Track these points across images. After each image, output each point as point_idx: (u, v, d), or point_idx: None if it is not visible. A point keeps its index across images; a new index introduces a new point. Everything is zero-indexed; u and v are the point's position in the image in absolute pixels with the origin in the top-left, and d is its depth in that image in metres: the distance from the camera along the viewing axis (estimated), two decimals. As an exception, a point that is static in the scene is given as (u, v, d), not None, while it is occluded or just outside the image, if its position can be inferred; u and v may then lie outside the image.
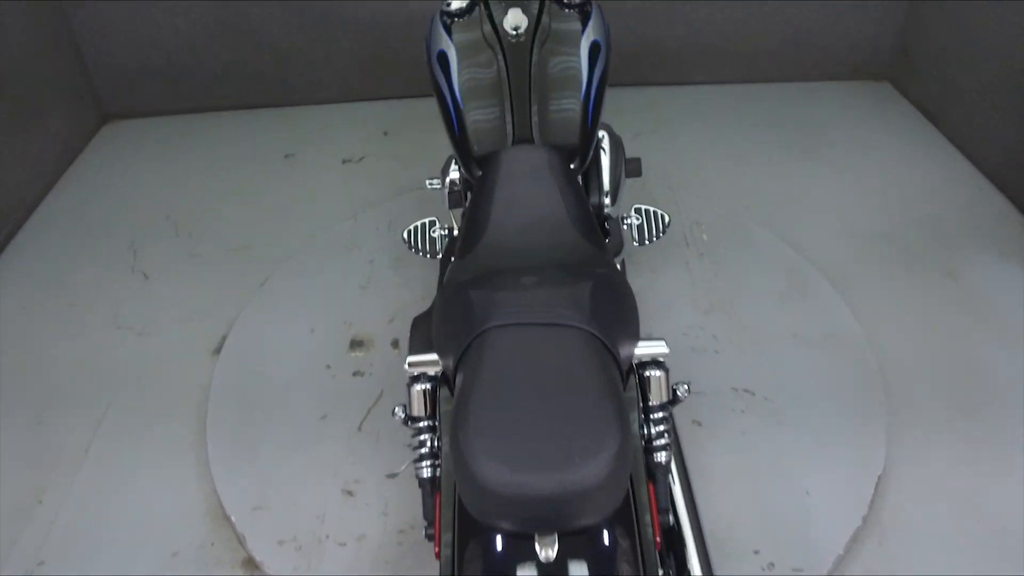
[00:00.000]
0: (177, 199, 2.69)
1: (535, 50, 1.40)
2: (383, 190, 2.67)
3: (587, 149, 1.38)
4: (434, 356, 1.05)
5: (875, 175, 2.67)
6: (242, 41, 3.05)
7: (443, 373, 1.05)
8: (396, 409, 1.10)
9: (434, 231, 1.96)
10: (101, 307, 2.23)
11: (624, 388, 0.98)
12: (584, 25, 1.47)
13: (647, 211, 1.97)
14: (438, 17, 1.52)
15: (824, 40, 3.13)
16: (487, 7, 1.47)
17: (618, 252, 1.60)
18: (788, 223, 2.43)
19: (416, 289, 2.19)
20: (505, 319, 0.93)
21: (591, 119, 1.39)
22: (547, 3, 1.47)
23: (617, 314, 1.00)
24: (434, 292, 2.00)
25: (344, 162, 2.87)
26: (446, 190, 1.69)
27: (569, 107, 1.39)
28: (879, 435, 1.71)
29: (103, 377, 1.99)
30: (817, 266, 2.25)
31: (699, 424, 1.75)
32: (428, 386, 1.08)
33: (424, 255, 1.92)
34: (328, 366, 1.96)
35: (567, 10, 1.49)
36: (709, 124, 3.00)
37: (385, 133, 3.04)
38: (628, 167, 1.85)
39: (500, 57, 1.40)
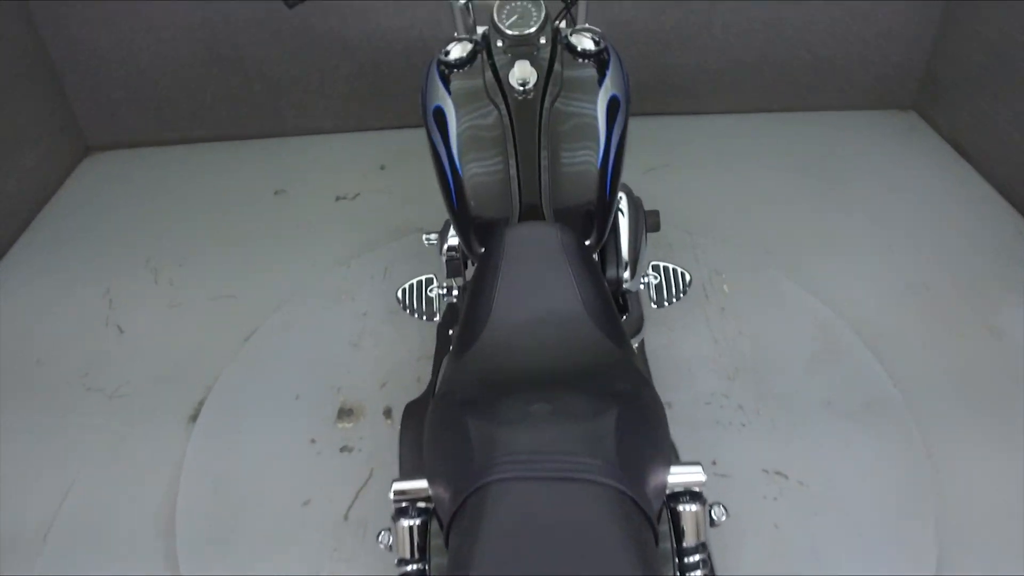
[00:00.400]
0: (159, 240, 2.52)
1: (545, 107, 1.22)
2: (379, 231, 2.49)
3: (604, 222, 1.20)
4: (424, 484, 0.88)
5: (906, 216, 2.48)
6: (232, 69, 2.89)
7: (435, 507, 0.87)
8: (381, 535, 0.93)
9: (431, 290, 1.78)
10: (71, 365, 2.05)
11: (656, 541, 0.80)
12: (601, 77, 1.30)
13: (665, 269, 1.78)
14: (434, 67, 1.34)
15: (847, 68, 2.95)
16: (490, 57, 1.30)
17: (638, 330, 1.42)
18: (815, 271, 2.25)
19: (412, 346, 2.01)
20: (510, 470, 0.75)
21: (609, 187, 1.22)
22: (559, 52, 1.30)
23: (647, 449, 0.82)
24: (431, 353, 1.82)
25: (338, 199, 2.70)
26: (444, 257, 1.51)
27: (584, 174, 1.21)
28: (929, 529, 1.52)
29: (68, 449, 1.81)
30: (848, 321, 2.07)
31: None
32: (417, 522, 0.90)
33: (420, 317, 1.74)
34: (313, 440, 1.77)
35: (581, 60, 1.31)
36: (726, 157, 2.82)
37: (382, 167, 2.87)
38: (646, 222, 1.68)
39: (505, 115, 1.22)
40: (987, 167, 2.62)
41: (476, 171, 1.21)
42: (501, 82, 1.25)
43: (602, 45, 1.31)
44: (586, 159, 1.22)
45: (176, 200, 2.73)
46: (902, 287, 2.21)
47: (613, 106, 1.28)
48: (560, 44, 1.31)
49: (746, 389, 1.86)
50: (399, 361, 1.97)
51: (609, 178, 1.22)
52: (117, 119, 3.00)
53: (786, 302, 2.13)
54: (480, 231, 1.18)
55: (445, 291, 1.73)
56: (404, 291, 1.80)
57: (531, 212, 1.16)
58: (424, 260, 2.30)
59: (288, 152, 2.99)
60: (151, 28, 2.76)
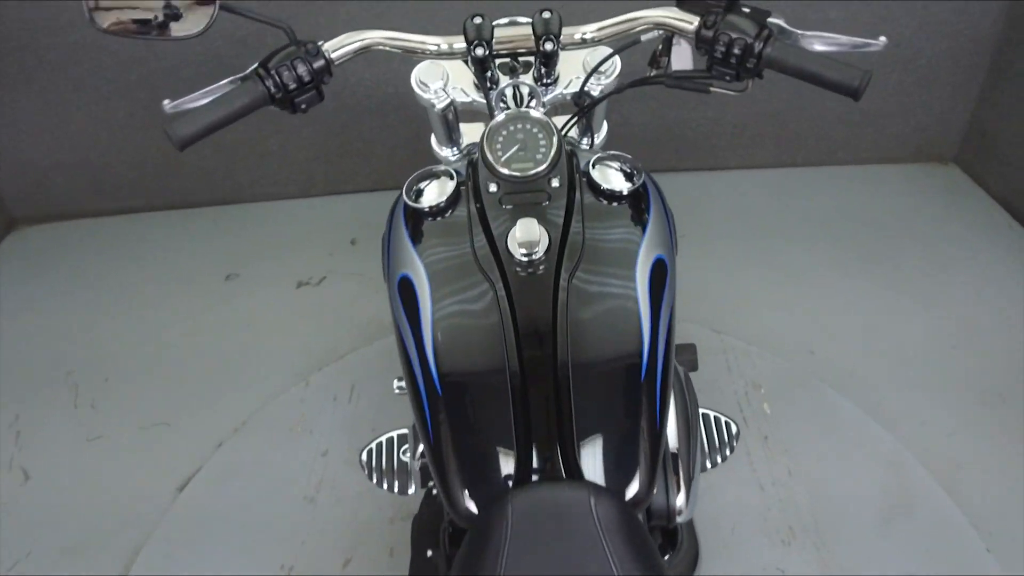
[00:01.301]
0: (84, 345, 2.11)
1: (562, 285, 0.84)
2: (346, 331, 2.09)
3: (653, 463, 0.81)
4: None
5: (963, 298, 2.12)
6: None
7: None
8: None
9: (404, 451, 1.40)
10: (-43, 530, 1.64)
11: None
12: (639, 230, 0.91)
13: (705, 418, 1.40)
14: (400, 213, 0.96)
15: (879, 117, 2.59)
16: (479, 201, 0.91)
17: (694, 563, 1.04)
18: (867, 379, 1.88)
19: (383, 504, 1.62)
20: None
21: (659, 407, 0.82)
22: (578, 195, 0.91)
23: None
24: (410, 511, 1.43)
25: (300, 285, 2.30)
26: (416, 464, 1.13)
27: (622, 391, 0.82)
28: None
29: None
30: (918, 453, 1.69)
31: None
32: None
33: (391, 488, 1.35)
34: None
35: (610, 203, 0.93)
36: (749, 223, 2.44)
37: (353, 241, 2.47)
38: (679, 359, 1.30)
39: (503, 297, 0.83)
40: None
41: (461, 391, 0.82)
42: (497, 246, 0.86)
43: (638, 181, 0.93)
44: (624, 366, 0.83)
45: (108, 288, 2.32)
46: (973, 400, 1.84)
47: (658, 275, 0.89)
48: (578, 180, 0.93)
49: (806, 560, 1.48)
50: (366, 523, 1.58)
51: (659, 393, 0.83)
52: (46, 188, 2.59)
53: (842, 428, 1.75)
54: (470, 485, 0.79)
55: (420, 458, 1.33)
56: (370, 452, 1.41)
57: (544, 456, 0.78)
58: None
59: (244, 223, 2.58)
60: (81, 88, 2.35)
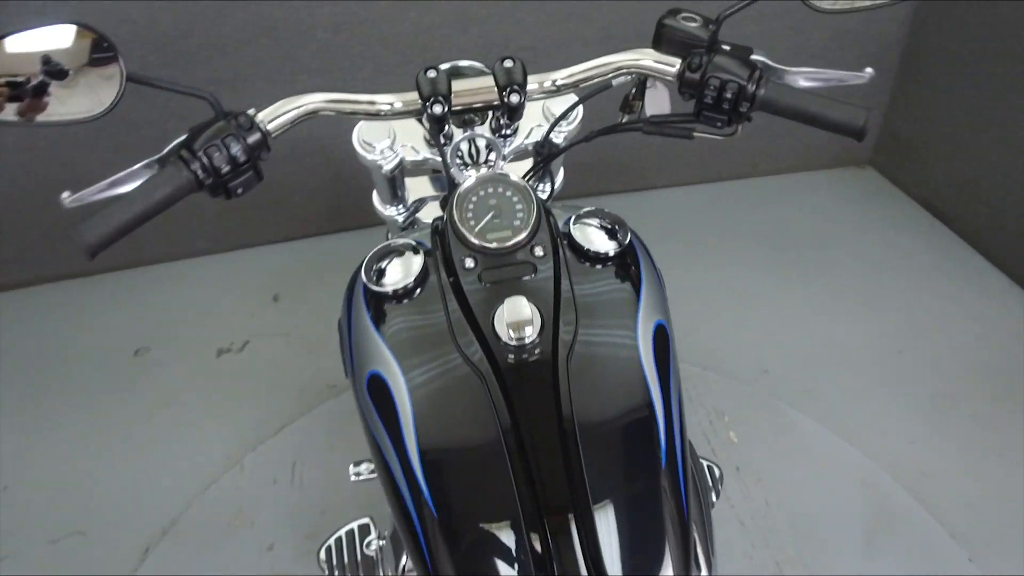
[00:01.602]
0: (-27, 449, 1.84)
1: (561, 368, 0.73)
2: (279, 400, 1.92)
3: (687, 547, 0.71)
4: None
5: (899, 300, 2.15)
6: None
7: None
8: None
9: (369, 544, 1.25)
10: None
11: None
12: (636, 294, 0.82)
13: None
14: (360, 298, 0.83)
15: (797, 126, 2.60)
16: (452, 274, 0.80)
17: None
18: (823, 394, 1.86)
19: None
20: None
21: (683, 488, 0.73)
22: (563, 260, 0.81)
23: None
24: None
25: (220, 353, 2.10)
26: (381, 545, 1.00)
27: (646, 486, 0.72)
28: None
29: None
30: (885, 465, 1.68)
31: None
32: None
33: (355, 589, 1.21)
34: None
35: (597, 267, 0.83)
36: (683, 240, 2.41)
37: (275, 298, 2.29)
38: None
39: (495, 388, 0.72)
40: (967, 230, 2.33)
41: (461, 513, 0.70)
42: (483, 331, 0.75)
43: (623, 239, 0.83)
44: (642, 456, 0.73)
45: (-2, 378, 2.05)
46: (927, 404, 1.85)
47: (660, 343, 0.80)
48: (560, 245, 0.82)
49: (800, 599, 1.43)
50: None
51: (680, 473, 0.73)
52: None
53: (809, 449, 1.72)
54: None
55: (385, 542, 1.20)
56: (329, 550, 1.26)
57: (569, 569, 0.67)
58: (350, 443, 1.75)
59: (151, 288, 2.35)
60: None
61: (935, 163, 2.42)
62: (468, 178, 0.82)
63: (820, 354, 1.99)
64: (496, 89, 0.80)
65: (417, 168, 1.02)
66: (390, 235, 1.33)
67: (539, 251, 0.79)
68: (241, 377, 2.01)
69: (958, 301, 2.14)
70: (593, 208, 0.88)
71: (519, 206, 0.81)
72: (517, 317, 0.73)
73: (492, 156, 0.98)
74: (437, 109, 0.79)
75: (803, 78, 0.81)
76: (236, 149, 0.70)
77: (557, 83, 0.82)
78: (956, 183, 2.34)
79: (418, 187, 1.15)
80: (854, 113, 0.74)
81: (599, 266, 0.83)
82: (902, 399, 1.86)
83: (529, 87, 0.81)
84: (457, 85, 0.80)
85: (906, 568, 1.48)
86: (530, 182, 0.99)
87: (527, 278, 0.78)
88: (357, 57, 2.12)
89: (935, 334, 2.03)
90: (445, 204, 0.96)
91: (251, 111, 0.75)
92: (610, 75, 0.82)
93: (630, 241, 0.84)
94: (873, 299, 2.16)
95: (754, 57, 0.78)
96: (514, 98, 0.80)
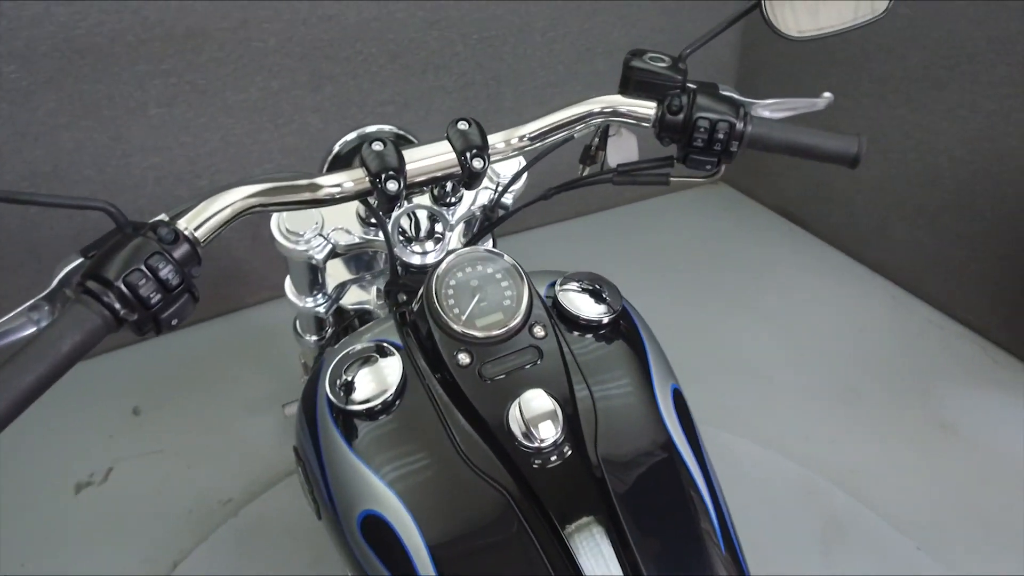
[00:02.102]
0: None
1: (593, 463, 0.63)
2: (166, 530, 1.63)
3: None
4: None
5: (782, 303, 2.25)
6: None
7: None
8: None
9: None
10: None
11: None
12: (643, 360, 0.73)
13: None
14: (327, 421, 0.68)
15: (649, 152, 2.69)
16: (441, 369, 0.67)
17: None
18: (738, 407, 1.89)
19: None
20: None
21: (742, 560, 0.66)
22: (559, 336, 0.71)
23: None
24: None
25: (80, 488, 1.77)
26: None
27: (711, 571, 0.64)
28: None
29: None
30: (816, 469, 1.71)
31: None
32: None
33: None
34: None
35: (590, 335, 0.74)
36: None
37: (135, 411, 1.98)
38: None
39: (524, 509, 0.60)
40: (824, 230, 2.50)
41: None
42: (496, 437, 0.63)
43: (615, 302, 0.75)
44: (699, 547, 0.64)
45: None
46: (836, 401, 1.92)
47: (681, 408, 0.72)
48: (552, 318, 0.72)
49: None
50: None
51: (737, 548, 0.66)
52: None
53: (745, 467, 1.72)
54: None
55: None
56: None
57: None
58: (272, 564, 1.51)
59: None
60: None
61: (784, 172, 2.58)
62: (442, 262, 0.70)
63: (722, 368, 2.02)
64: (454, 156, 0.69)
65: (347, 251, 0.88)
66: (299, 325, 1.16)
67: (539, 331, 0.68)
68: (111, 512, 1.70)
69: (833, 298, 2.27)
70: (573, 272, 0.79)
71: (505, 283, 0.70)
72: (537, 413, 0.62)
73: (438, 228, 0.86)
74: (392, 187, 0.66)
75: (771, 110, 0.77)
76: (166, 271, 0.54)
77: (523, 138, 0.72)
78: (806, 188, 2.50)
79: (336, 272, 1.01)
80: (847, 142, 0.71)
81: (595, 335, 0.74)
82: (812, 401, 1.91)
83: (491, 148, 0.71)
84: (410, 156, 0.68)
85: (866, 569, 1.50)
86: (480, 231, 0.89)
87: (532, 365, 0.67)
88: (200, 129, 1.91)
89: (821, 332, 2.13)
90: (391, 290, 0.83)
91: (164, 217, 0.59)
92: (578, 125, 0.73)
93: (624, 306, 0.76)
94: (757, 308, 2.23)
95: (725, 93, 0.73)
96: (476, 163, 0.69)
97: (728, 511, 0.69)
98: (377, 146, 0.67)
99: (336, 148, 0.87)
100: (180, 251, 0.56)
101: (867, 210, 2.29)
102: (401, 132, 0.93)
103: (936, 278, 2.15)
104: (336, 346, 0.75)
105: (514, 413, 0.63)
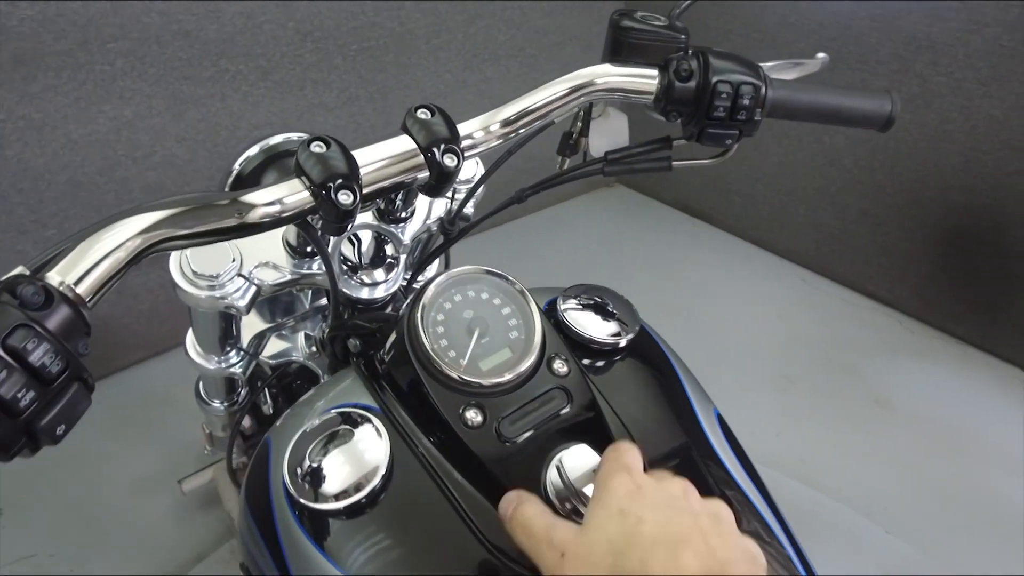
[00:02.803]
0: None
1: None
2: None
3: None
4: None
5: (698, 297, 2.21)
6: None
7: None
8: None
9: None
10: None
11: None
12: (678, 385, 0.60)
13: None
14: (288, 521, 0.49)
15: (547, 160, 2.61)
16: (458, 458, 0.50)
17: None
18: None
19: None
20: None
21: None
22: (583, 369, 0.56)
23: None
24: None
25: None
26: None
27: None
28: None
29: None
30: (772, 465, 1.65)
31: None
32: None
33: None
34: None
35: (621, 364, 0.60)
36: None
37: (-7, 515, 1.64)
38: None
39: None
40: (727, 222, 2.50)
41: None
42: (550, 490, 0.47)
43: (632, 322, 0.61)
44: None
45: None
46: (770, 390, 1.89)
47: (728, 434, 0.60)
48: (565, 345, 0.57)
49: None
50: None
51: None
52: None
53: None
54: None
55: None
56: None
57: None
58: None
59: None
60: None
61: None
62: (427, 292, 0.53)
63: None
64: (419, 153, 0.53)
65: (275, 292, 0.69)
66: (204, 389, 0.95)
67: (560, 367, 0.53)
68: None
69: (745, 288, 2.26)
70: (571, 286, 0.64)
71: (506, 310, 0.55)
72: (584, 472, 0.47)
73: (388, 250, 0.69)
74: (344, 198, 0.48)
75: (775, 72, 0.66)
76: (40, 352, 0.34)
77: (502, 124, 0.57)
78: (705, 182, 2.49)
79: (252, 323, 0.81)
80: (879, 100, 0.61)
81: (615, 361, 0.60)
82: (750, 394, 1.87)
83: (465, 141, 0.55)
84: (362, 157, 0.51)
85: (845, 559, 1.44)
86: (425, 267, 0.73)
87: (565, 411, 0.51)
88: (42, 170, 1.61)
89: (742, 324, 2.10)
90: (337, 336, 0.65)
91: (22, 270, 0.39)
92: (567, 104, 0.59)
93: (640, 324, 0.62)
94: (673, 307, 2.18)
95: (720, 53, 0.61)
96: (448, 160, 0.52)
97: (798, 537, 0.57)
98: (318, 147, 0.49)
99: (236, 167, 0.68)
100: (57, 319, 0.36)
101: (768, 197, 2.30)
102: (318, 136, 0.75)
103: (843, 257, 2.18)
104: (281, 422, 0.56)
105: (552, 477, 0.47)
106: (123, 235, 0.41)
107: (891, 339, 2.02)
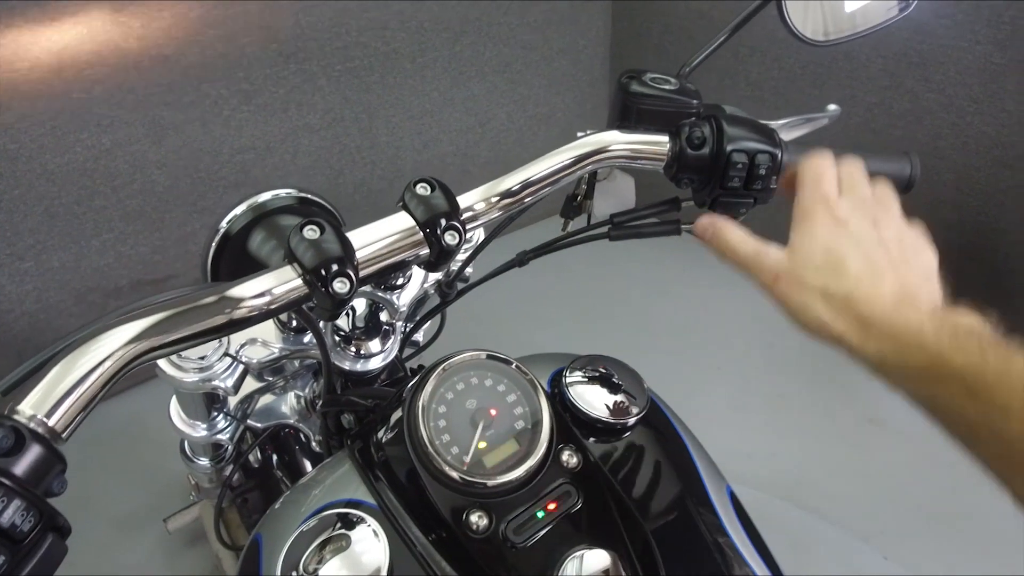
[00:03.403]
0: None
1: None
2: None
3: None
4: None
5: (651, 306, 2.19)
6: None
7: None
8: None
9: None
10: None
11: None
12: (690, 463, 0.57)
13: None
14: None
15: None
16: (459, 565, 0.47)
17: None
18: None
19: None
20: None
21: None
22: (593, 457, 0.53)
23: None
24: None
25: None
26: None
27: None
28: None
29: None
30: (770, 488, 1.64)
31: None
32: None
33: None
34: None
35: (612, 443, 0.57)
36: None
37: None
38: None
39: None
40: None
41: None
42: None
43: (640, 398, 0.59)
44: None
45: None
46: (765, 410, 1.87)
47: (742, 514, 0.57)
48: (573, 429, 0.54)
49: None
50: None
51: None
52: None
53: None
54: None
55: None
56: None
57: None
58: None
59: None
60: None
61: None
62: (427, 384, 0.50)
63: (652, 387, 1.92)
64: (419, 231, 0.49)
65: (264, 368, 0.65)
66: (189, 449, 0.91)
67: (570, 459, 0.50)
68: None
69: (738, 304, 2.23)
70: (575, 358, 0.61)
71: (511, 397, 0.52)
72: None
73: (383, 317, 0.66)
74: (340, 287, 0.45)
75: (786, 130, 0.64)
76: (8, 512, 0.31)
77: (504, 195, 0.54)
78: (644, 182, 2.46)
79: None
80: (899, 163, 0.59)
81: (624, 440, 0.57)
82: (744, 415, 1.85)
83: (465, 214, 0.52)
84: (358, 239, 0.48)
85: (813, 564, 1.45)
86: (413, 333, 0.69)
87: (574, 511, 0.49)
88: (15, 203, 1.56)
89: (736, 342, 2.09)
90: (329, 412, 0.62)
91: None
92: (572, 172, 0.56)
93: (649, 397, 0.60)
94: (668, 326, 2.16)
95: (744, 115, 0.59)
96: (449, 237, 0.49)
97: None
98: (311, 232, 0.46)
99: (223, 226, 0.65)
100: (28, 462, 0.33)
101: (758, 211, 2.28)
102: (306, 194, 0.71)
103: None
104: (271, 516, 0.53)
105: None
106: (101, 353, 0.38)
107: (884, 355, 2.02)
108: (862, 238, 0.48)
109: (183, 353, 0.57)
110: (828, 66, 1.94)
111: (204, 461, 0.90)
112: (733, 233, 0.51)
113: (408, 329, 0.73)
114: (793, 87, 2.04)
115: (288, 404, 0.81)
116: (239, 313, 0.43)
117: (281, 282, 0.45)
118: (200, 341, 0.43)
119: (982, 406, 0.39)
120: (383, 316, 0.66)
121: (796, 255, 0.48)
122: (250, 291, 0.44)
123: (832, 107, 0.67)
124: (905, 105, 1.84)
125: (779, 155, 0.56)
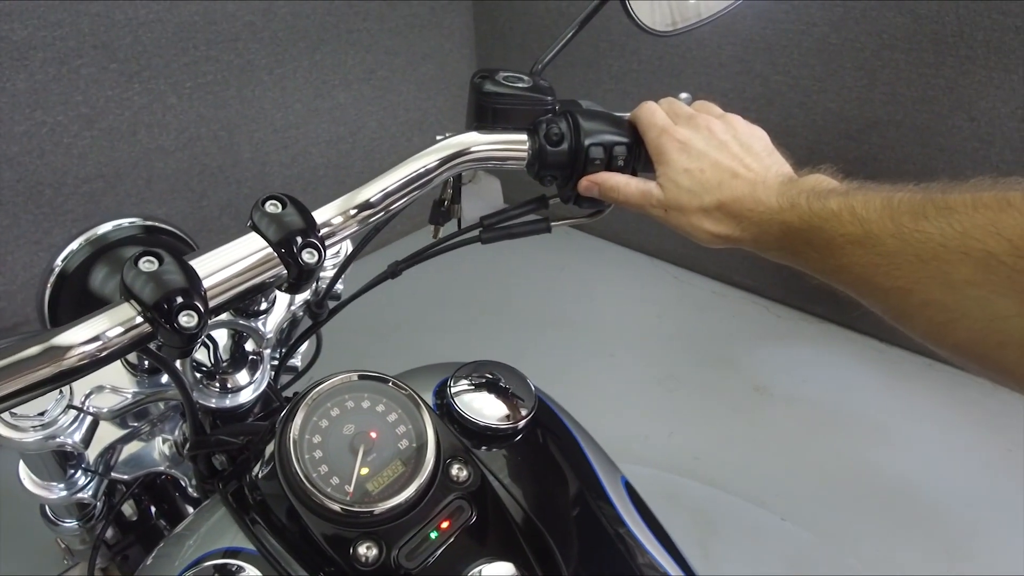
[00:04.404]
0: None
1: None
2: None
3: None
4: None
5: (581, 309, 2.22)
6: None
7: None
8: None
9: None
10: None
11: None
12: (588, 463, 0.57)
13: None
14: None
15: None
16: None
17: None
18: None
19: None
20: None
21: None
22: (483, 466, 0.51)
23: None
24: None
25: None
26: None
27: None
28: None
29: None
30: (670, 467, 1.68)
31: None
32: None
33: None
34: None
35: (501, 448, 0.56)
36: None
37: None
38: None
39: None
40: (600, 229, 2.54)
41: None
42: None
43: (529, 399, 0.57)
44: None
45: None
46: (658, 391, 1.92)
47: (638, 501, 0.57)
48: (459, 440, 0.52)
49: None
50: None
51: None
52: None
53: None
54: None
55: None
56: None
57: None
58: None
59: None
60: None
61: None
62: (296, 415, 0.47)
63: (548, 383, 1.93)
64: (271, 252, 0.46)
65: (118, 415, 0.59)
66: (50, 511, 0.82)
67: (460, 472, 0.48)
68: None
69: (624, 290, 2.29)
70: (460, 366, 0.59)
71: (392, 416, 0.49)
72: None
73: (249, 347, 0.61)
74: (187, 320, 0.41)
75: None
76: None
77: (363, 207, 0.51)
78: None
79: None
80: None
81: (514, 444, 0.55)
82: (640, 398, 1.89)
83: (324, 230, 0.49)
84: (203, 267, 0.44)
85: (746, 555, 1.48)
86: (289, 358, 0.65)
87: (472, 518, 0.47)
88: None
89: (624, 328, 2.13)
90: (198, 455, 0.57)
91: None
92: (432, 178, 0.54)
93: (538, 397, 0.58)
94: (554, 319, 2.18)
95: (600, 109, 0.59)
96: (307, 256, 0.46)
97: None
98: (147, 264, 0.41)
99: (58, 264, 0.58)
100: None
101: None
102: (151, 222, 0.65)
103: (708, 251, 2.25)
104: (150, 562, 0.48)
105: None
106: None
107: (760, 326, 2.12)
108: (706, 148, 0.53)
109: (16, 411, 0.50)
110: (684, 56, 2.01)
111: (71, 522, 0.81)
112: (615, 179, 0.55)
113: (281, 355, 0.68)
114: (653, 78, 2.11)
115: (157, 450, 0.74)
116: (69, 363, 0.38)
117: (117, 322, 0.40)
118: (28, 398, 0.37)
119: (859, 248, 0.44)
120: (248, 345, 0.61)
121: (667, 186, 0.53)
122: (80, 336, 0.39)
123: (684, 95, 0.68)
124: (757, 89, 1.94)
125: (635, 145, 0.56)
